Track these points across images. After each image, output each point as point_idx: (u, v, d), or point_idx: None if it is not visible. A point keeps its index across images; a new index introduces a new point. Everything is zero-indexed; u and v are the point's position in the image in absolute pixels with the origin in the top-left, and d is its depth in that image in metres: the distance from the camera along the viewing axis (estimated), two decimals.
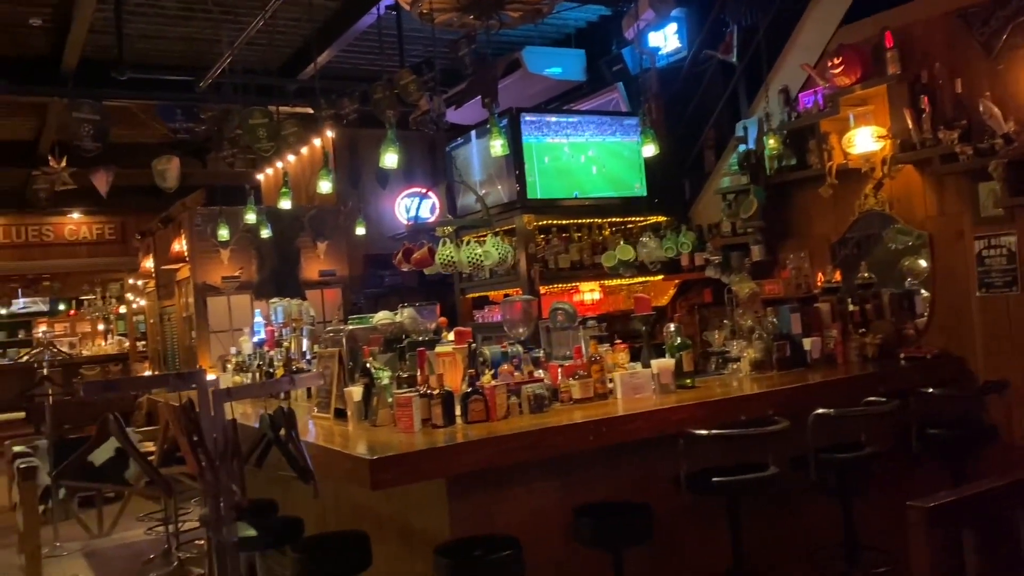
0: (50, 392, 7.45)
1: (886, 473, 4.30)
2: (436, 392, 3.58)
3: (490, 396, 3.61)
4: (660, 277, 5.99)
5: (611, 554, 3.40)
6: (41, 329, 18.33)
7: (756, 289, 4.65)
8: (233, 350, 6.56)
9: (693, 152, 6.40)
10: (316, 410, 4.37)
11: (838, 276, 5.03)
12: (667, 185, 6.12)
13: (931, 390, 4.18)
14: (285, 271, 10.26)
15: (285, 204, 6.84)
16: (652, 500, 3.46)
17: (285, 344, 5.72)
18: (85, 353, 17.01)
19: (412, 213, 11.21)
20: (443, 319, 4.18)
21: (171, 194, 14.05)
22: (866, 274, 4.98)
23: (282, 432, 2.08)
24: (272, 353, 5.84)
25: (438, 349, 4.05)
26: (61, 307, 18.58)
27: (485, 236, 5.10)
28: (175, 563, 6.30)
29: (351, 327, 4.33)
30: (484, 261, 4.17)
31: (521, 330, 4.05)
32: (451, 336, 4.32)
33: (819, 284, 5.02)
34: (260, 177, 13.48)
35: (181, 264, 10.26)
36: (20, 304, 17.74)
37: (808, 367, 4.56)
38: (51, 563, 6.56)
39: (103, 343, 18.08)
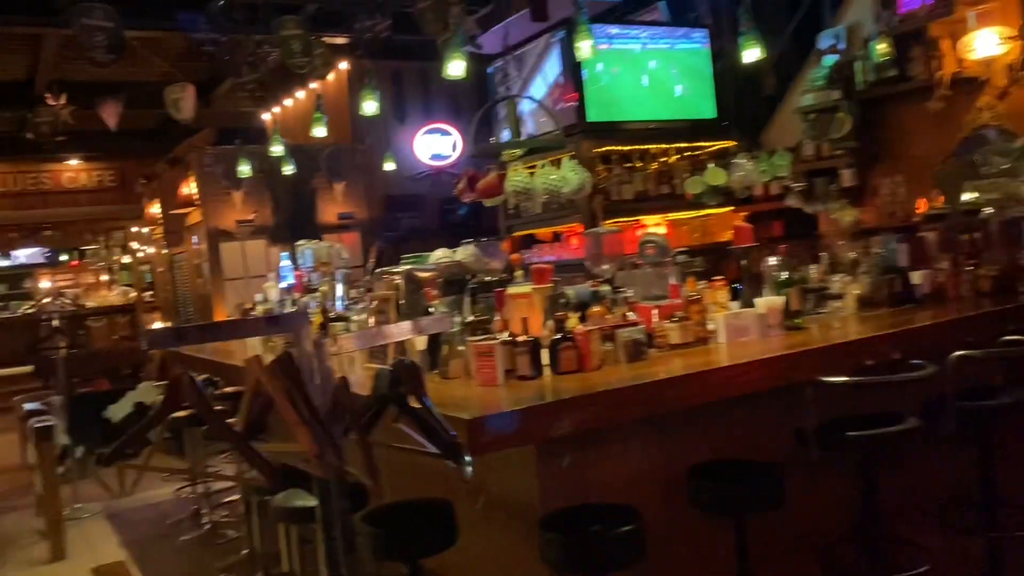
0: (62, 345, 6.94)
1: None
2: (522, 339, 3.08)
3: (583, 343, 3.11)
4: (730, 208, 5.45)
5: (732, 521, 2.94)
6: (42, 282, 17.80)
7: (859, 217, 4.12)
8: (259, 297, 6.07)
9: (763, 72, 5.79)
10: (368, 361, 3.87)
11: (941, 201, 4.50)
12: (737, 107, 5.54)
13: None
14: (301, 214, 9.70)
15: (320, 132, 6.24)
16: (765, 458, 3.00)
17: (322, 289, 5.22)
18: (89, 304, 16.51)
19: (433, 151, 10.63)
20: (516, 255, 3.66)
21: (173, 137, 13.46)
22: (973, 198, 4.45)
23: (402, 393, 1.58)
24: (305, 299, 5.34)
25: (512, 290, 3.54)
26: (63, 258, 18.02)
27: (559, 160, 4.49)
28: (207, 526, 5.89)
29: (408, 267, 3.81)
30: (562, 188, 3.64)
31: (606, 266, 3.54)
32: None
33: (920, 211, 4.48)
34: (266, 116, 12.84)
35: (191, 208, 9.70)
36: (21, 255, 17.18)
37: (919, 304, 4.05)
38: (72, 526, 6.14)
39: (107, 294, 17.59)
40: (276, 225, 9.59)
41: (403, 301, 3.89)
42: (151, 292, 16.10)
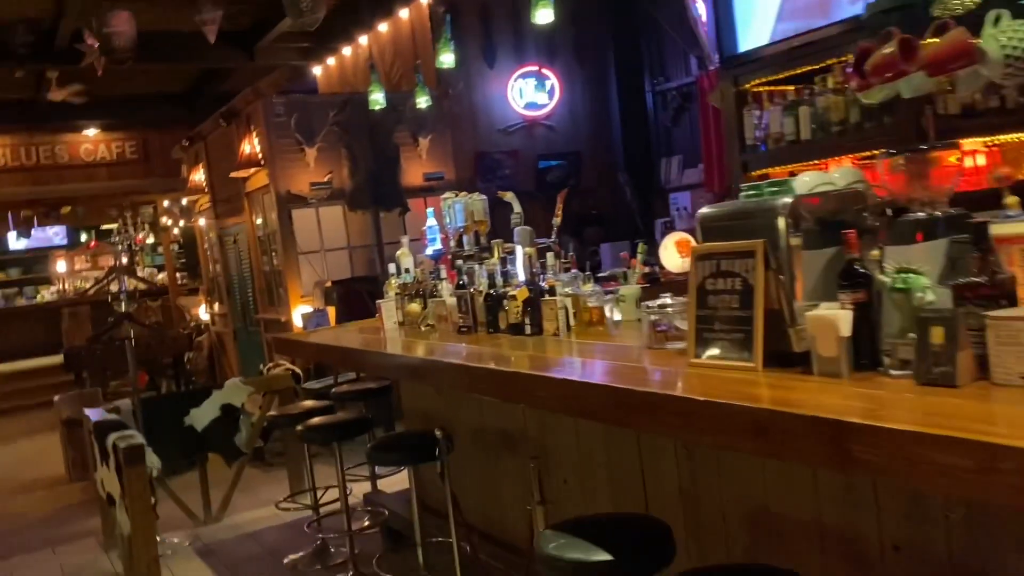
0: (132, 335, 5.49)
1: None
2: None
3: None
4: None
5: None
6: (59, 263, 16.33)
7: None
8: (391, 268, 4.64)
9: None
10: (708, 353, 2.43)
11: None
12: None
13: None
14: (383, 174, 8.20)
15: (447, 59, 4.68)
16: None
17: (527, 251, 3.78)
18: (113, 288, 15.02)
19: (528, 99, 9.16)
20: (1008, 170, 2.21)
21: (207, 100, 11.91)
22: None
23: None
24: (478, 268, 3.90)
25: (1001, 230, 2.12)
26: (83, 238, 16.50)
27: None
28: (346, 567, 4.48)
29: (773, 198, 2.36)
30: None
31: None
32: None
33: None
34: (317, 71, 11.33)
35: (254, 170, 8.20)
36: (35, 236, 15.63)
37: None
38: None
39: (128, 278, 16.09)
40: (355, 187, 8.10)
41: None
42: (182, 273, 14.61)
